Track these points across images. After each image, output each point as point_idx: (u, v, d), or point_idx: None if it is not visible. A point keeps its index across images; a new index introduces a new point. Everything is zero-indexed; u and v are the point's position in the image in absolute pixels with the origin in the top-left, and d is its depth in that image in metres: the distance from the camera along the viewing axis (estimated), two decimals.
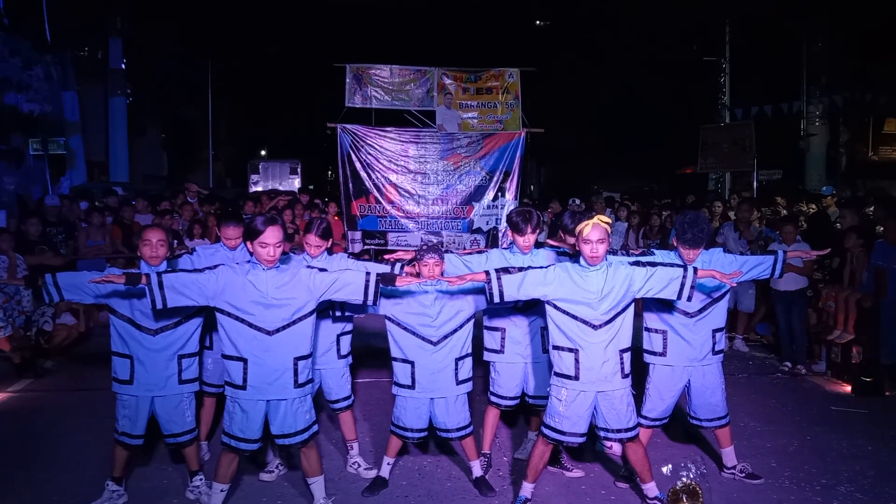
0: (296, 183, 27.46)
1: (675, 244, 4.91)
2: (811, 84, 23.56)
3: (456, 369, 4.81)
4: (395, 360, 4.87)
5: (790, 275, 7.90)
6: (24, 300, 8.07)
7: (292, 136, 36.92)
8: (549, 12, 32.55)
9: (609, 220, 4.38)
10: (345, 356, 5.22)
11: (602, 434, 4.53)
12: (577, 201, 13.47)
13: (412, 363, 4.78)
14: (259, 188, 25.55)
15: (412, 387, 4.81)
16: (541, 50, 27.94)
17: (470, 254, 5.26)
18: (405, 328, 4.78)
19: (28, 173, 15.66)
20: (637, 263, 4.47)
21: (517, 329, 5.09)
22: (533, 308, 4.97)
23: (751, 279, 5.19)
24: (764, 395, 7.25)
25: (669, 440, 5.87)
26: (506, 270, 4.42)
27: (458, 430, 4.86)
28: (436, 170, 13.00)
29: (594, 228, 4.28)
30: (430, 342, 4.75)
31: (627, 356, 4.45)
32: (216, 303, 4.30)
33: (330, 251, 5.16)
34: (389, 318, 4.82)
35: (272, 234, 4.23)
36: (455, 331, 4.78)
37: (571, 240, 4.73)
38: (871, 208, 10.69)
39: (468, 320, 4.84)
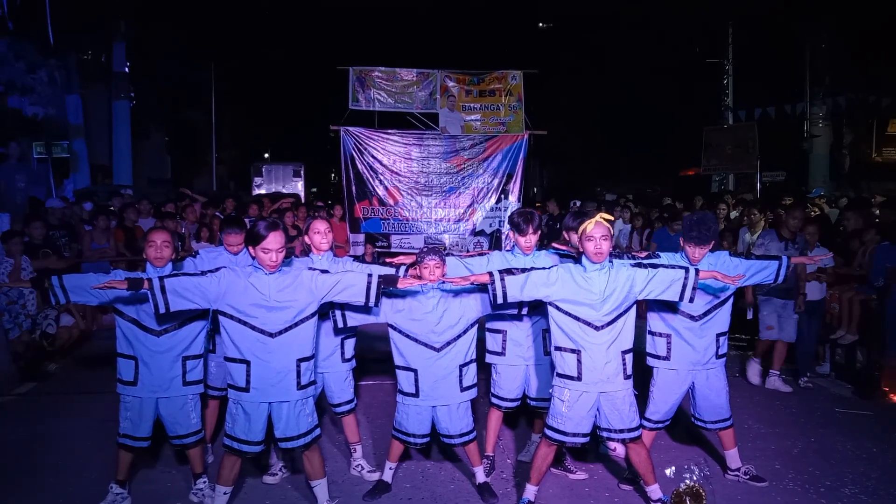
0: (299, 186, 27.49)
1: (682, 244, 4.92)
2: (814, 85, 23.59)
3: (460, 376, 4.79)
4: (399, 367, 4.85)
5: (813, 284, 7.53)
6: (28, 303, 8.09)
7: (296, 139, 37.03)
8: (552, 14, 32.58)
9: (612, 218, 4.39)
10: (348, 360, 5.21)
11: (605, 435, 4.53)
12: (578, 203, 13.48)
13: (415, 371, 4.76)
14: (262, 191, 25.58)
15: (416, 395, 4.79)
16: (544, 52, 28.00)
17: (472, 256, 5.26)
18: (407, 335, 4.76)
19: (32, 176, 15.69)
20: (639, 265, 4.48)
21: (519, 331, 5.09)
22: (534, 310, 4.97)
23: (754, 283, 5.18)
24: (768, 397, 7.23)
25: (673, 442, 5.86)
26: (509, 272, 4.43)
27: (461, 435, 4.84)
28: (439, 172, 13.01)
29: (597, 226, 4.29)
30: (433, 349, 4.73)
31: (629, 357, 4.45)
32: (218, 305, 4.31)
33: (335, 253, 5.16)
34: (392, 326, 4.81)
35: (274, 240, 4.25)
36: (458, 337, 4.76)
37: (575, 238, 4.73)
38: (876, 210, 10.67)
39: (471, 326, 4.82)
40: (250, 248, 4.33)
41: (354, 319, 4.83)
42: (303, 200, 16.08)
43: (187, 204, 12.38)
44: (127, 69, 23.86)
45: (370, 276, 4.46)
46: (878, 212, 10.32)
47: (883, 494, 4.96)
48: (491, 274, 4.41)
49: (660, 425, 5.09)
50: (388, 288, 4.57)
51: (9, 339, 7.90)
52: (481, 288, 4.63)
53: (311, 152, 33.52)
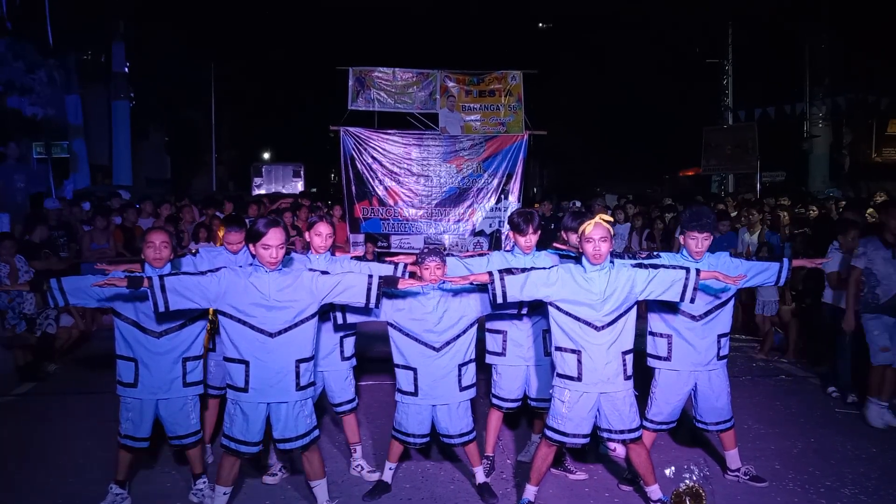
0: (299, 186, 27.47)
1: (682, 241, 4.90)
2: (814, 85, 23.57)
3: (459, 376, 4.79)
4: (398, 366, 4.85)
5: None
6: (25, 303, 8.08)
7: (295, 139, 36.96)
8: (552, 14, 32.56)
9: (611, 219, 4.39)
10: (348, 358, 5.21)
11: (605, 435, 4.53)
12: (578, 203, 13.46)
13: (415, 370, 4.77)
14: (262, 191, 25.59)
15: (415, 394, 4.79)
16: (543, 52, 27.99)
17: (472, 256, 5.26)
18: (407, 334, 4.77)
19: (32, 177, 15.70)
20: (640, 266, 4.47)
21: (519, 332, 5.09)
22: (535, 311, 4.97)
23: (755, 285, 5.16)
24: (768, 398, 7.23)
25: (673, 442, 5.86)
26: (509, 271, 4.43)
27: (461, 435, 4.85)
28: (438, 172, 13.01)
29: (596, 227, 4.28)
30: (433, 348, 4.74)
31: (630, 358, 4.45)
32: (218, 305, 4.30)
33: (332, 253, 5.16)
34: (392, 325, 4.81)
35: (274, 236, 4.25)
36: (458, 336, 4.77)
37: (574, 238, 4.73)
38: (870, 210, 10.63)
39: (471, 325, 4.82)
40: (250, 245, 4.33)
41: (355, 317, 4.85)
42: (305, 201, 15.91)
43: (185, 205, 12.39)
44: (126, 69, 23.85)
45: (370, 277, 4.46)
46: (870, 211, 10.28)
47: (883, 495, 4.96)
48: (491, 274, 4.41)
49: (663, 427, 5.08)
50: (388, 289, 4.56)
51: (14, 333, 7.89)
52: (481, 288, 4.64)
53: (311, 152, 33.47)
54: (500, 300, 4.41)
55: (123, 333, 4.65)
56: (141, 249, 4.70)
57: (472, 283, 4.59)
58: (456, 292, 4.75)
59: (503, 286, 4.37)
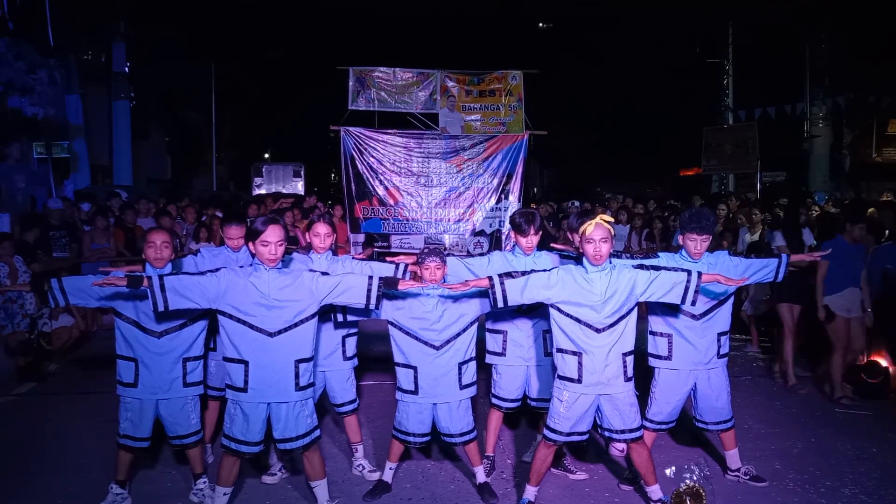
0: (299, 186, 27.45)
1: (681, 241, 4.90)
2: (814, 86, 23.60)
3: (459, 374, 4.80)
4: (398, 364, 4.86)
5: None
6: (27, 303, 8.09)
7: (296, 139, 36.93)
8: (552, 14, 32.57)
9: (612, 220, 4.38)
10: (350, 358, 5.21)
11: (606, 435, 4.53)
12: (577, 203, 13.44)
13: (415, 368, 4.77)
14: (262, 191, 25.57)
15: (415, 392, 4.80)
16: (543, 52, 28.00)
17: (472, 256, 5.26)
18: (407, 333, 4.77)
19: (32, 177, 15.70)
20: (641, 267, 4.46)
21: (519, 332, 5.09)
22: (535, 311, 4.97)
23: (755, 283, 5.16)
24: (768, 398, 7.23)
25: (674, 442, 5.86)
26: (509, 275, 4.42)
27: (462, 435, 4.85)
28: (439, 172, 13.00)
29: (597, 227, 4.28)
30: (433, 346, 4.74)
31: (630, 359, 4.44)
32: (218, 305, 4.30)
33: (335, 252, 5.17)
34: (392, 323, 4.81)
35: (273, 233, 4.25)
36: (458, 335, 4.77)
37: (577, 238, 4.73)
38: (871, 210, 10.64)
39: (471, 324, 4.83)
40: (250, 244, 4.33)
41: (355, 315, 4.87)
42: (310, 200, 15.77)
43: (187, 204, 12.40)
44: (127, 69, 23.84)
45: (370, 278, 4.46)
46: (871, 211, 10.28)
47: (883, 495, 4.96)
48: (491, 278, 4.40)
49: (663, 426, 5.08)
50: (388, 290, 4.56)
51: (2, 335, 7.89)
52: (481, 292, 4.63)
53: (311, 152, 33.44)
54: (500, 304, 4.41)
55: (124, 333, 4.65)
56: (142, 249, 4.70)
57: (472, 288, 4.58)
58: (456, 298, 4.75)
59: (503, 290, 4.36)
